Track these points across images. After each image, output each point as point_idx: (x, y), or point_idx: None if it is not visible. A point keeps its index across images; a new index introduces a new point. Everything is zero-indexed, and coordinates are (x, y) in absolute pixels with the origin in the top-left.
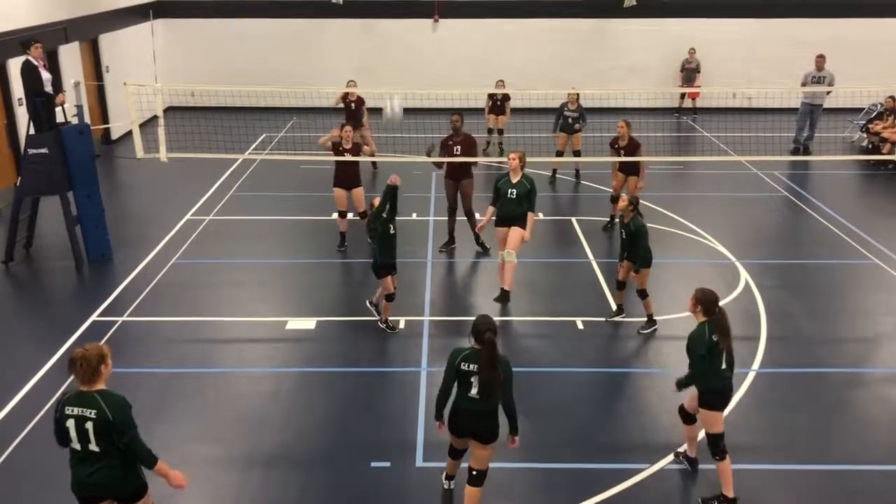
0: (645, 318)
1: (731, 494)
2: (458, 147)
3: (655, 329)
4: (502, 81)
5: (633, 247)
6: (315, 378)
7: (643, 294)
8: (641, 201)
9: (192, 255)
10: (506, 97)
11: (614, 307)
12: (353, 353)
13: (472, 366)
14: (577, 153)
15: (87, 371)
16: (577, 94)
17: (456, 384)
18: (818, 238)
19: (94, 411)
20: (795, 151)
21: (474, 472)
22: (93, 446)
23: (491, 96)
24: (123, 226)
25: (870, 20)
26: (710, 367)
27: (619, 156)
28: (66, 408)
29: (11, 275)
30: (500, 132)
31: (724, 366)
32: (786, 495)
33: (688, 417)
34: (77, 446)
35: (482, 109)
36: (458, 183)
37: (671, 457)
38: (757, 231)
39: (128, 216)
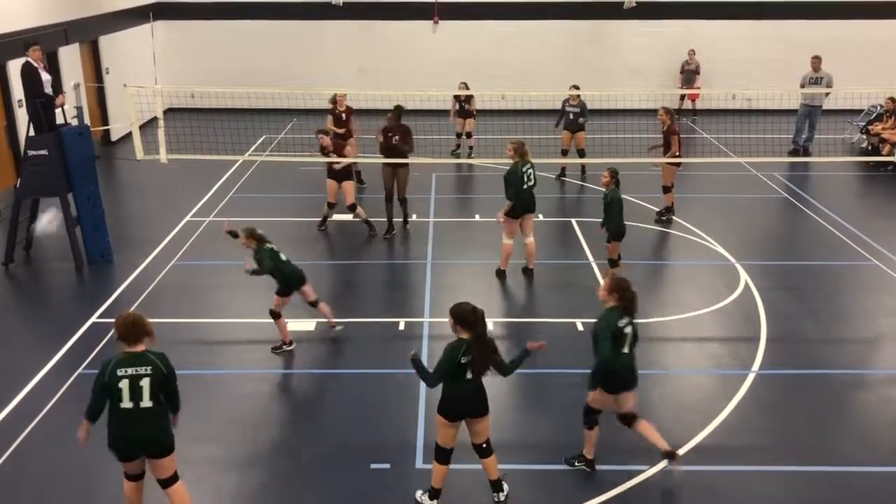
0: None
1: (590, 456)
2: (396, 136)
3: None
4: (465, 84)
5: (606, 217)
6: (315, 379)
7: (612, 263)
8: (642, 202)
9: (192, 257)
10: (469, 99)
11: None
12: (353, 355)
13: (469, 357)
14: (581, 152)
15: (141, 330)
16: (579, 95)
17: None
18: (818, 239)
19: (149, 367)
20: (794, 153)
21: (484, 445)
22: (145, 402)
23: (457, 98)
24: (123, 227)
25: (870, 21)
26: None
27: (661, 141)
28: (118, 370)
29: (11, 276)
30: (469, 135)
31: (625, 349)
32: (786, 497)
33: (629, 419)
34: (128, 405)
35: (484, 110)
36: (396, 171)
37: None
38: (757, 232)
39: (128, 218)
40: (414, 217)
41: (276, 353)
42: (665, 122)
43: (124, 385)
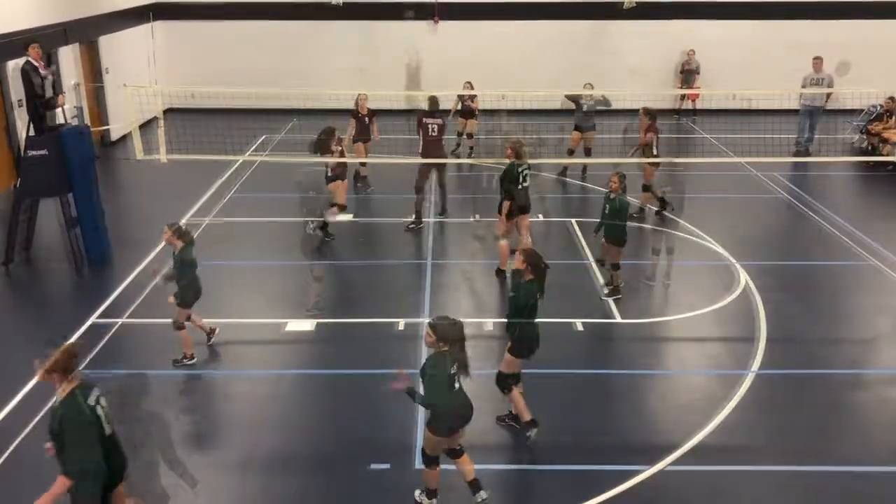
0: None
1: (527, 417)
2: (436, 126)
3: (619, 298)
4: (469, 83)
5: (611, 219)
6: (314, 380)
7: (615, 266)
8: (636, 201)
9: None
10: (472, 98)
11: (606, 290)
12: (352, 355)
13: (455, 367)
14: (587, 151)
15: (76, 358)
16: (592, 94)
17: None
18: (817, 239)
19: (95, 386)
20: (798, 154)
21: (458, 447)
22: (111, 420)
23: (461, 98)
24: (123, 227)
25: (870, 22)
26: (528, 321)
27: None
28: (87, 401)
29: (11, 276)
30: (470, 136)
31: (534, 320)
32: (786, 496)
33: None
34: (108, 429)
35: (484, 110)
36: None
37: (671, 458)
38: (757, 232)
39: (127, 217)
40: (413, 217)
41: (176, 365)
42: (643, 124)
43: (101, 412)
